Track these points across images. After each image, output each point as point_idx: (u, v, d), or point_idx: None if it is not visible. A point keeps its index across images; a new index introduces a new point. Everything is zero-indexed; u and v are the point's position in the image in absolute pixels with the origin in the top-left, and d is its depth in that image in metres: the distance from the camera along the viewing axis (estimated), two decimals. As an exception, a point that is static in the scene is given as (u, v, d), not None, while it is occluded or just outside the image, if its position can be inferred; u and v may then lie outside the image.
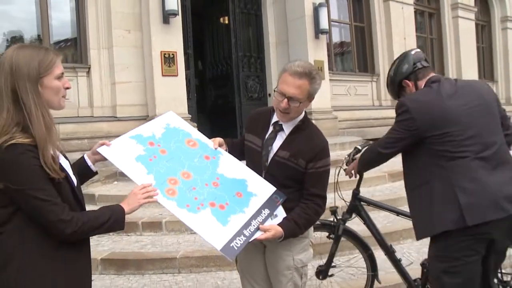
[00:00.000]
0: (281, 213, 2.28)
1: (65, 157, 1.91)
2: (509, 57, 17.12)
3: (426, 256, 2.88)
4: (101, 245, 4.88)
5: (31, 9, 7.70)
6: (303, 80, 2.25)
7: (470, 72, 15.07)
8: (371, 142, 3.26)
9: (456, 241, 2.23)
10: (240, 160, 2.47)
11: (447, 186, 2.26)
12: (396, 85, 2.60)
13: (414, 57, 2.56)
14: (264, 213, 2.22)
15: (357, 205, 3.15)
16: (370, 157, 2.66)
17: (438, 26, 14.89)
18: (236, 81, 9.98)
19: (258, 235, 2.13)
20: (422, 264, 3.01)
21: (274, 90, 2.32)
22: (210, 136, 2.55)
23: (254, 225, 2.15)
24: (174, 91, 7.92)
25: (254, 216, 2.18)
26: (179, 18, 8.05)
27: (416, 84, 2.52)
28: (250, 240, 2.10)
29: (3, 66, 1.68)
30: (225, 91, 10.39)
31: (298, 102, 2.27)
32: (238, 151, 2.56)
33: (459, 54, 14.73)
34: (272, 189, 2.30)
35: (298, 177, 2.33)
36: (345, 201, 3.17)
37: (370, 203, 3.19)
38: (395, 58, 10.14)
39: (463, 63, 14.75)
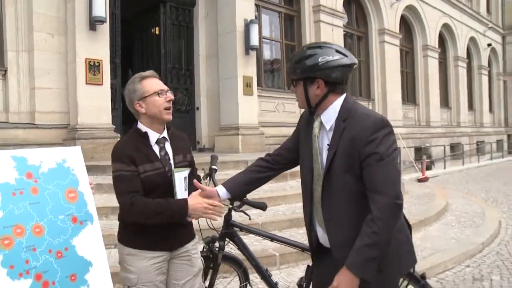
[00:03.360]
0: None
1: None
2: (429, 83, 18.17)
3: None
4: None
5: None
6: None
7: (394, 95, 15.81)
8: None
9: None
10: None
11: None
12: None
13: None
14: None
15: (230, 232, 3.08)
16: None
17: (366, 50, 15.54)
18: (164, 92, 9.81)
19: None
20: (299, 285, 2.99)
21: None
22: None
23: None
24: (98, 100, 7.64)
25: None
26: (106, 26, 7.81)
27: None
28: None
29: None
30: (153, 102, 10.18)
31: None
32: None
33: (384, 77, 15.43)
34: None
35: None
36: (214, 229, 2.95)
37: (243, 228, 3.12)
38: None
39: (388, 86, 15.45)
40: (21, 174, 1.92)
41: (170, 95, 2.42)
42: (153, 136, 2.42)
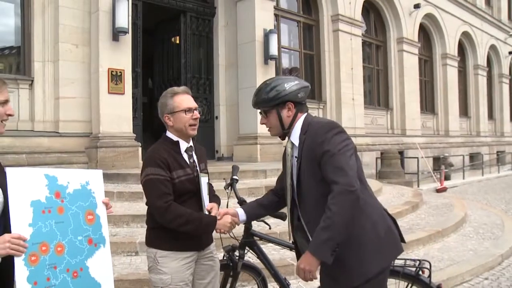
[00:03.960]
0: None
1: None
2: (448, 92, 18.04)
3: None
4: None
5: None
6: None
7: (413, 104, 15.76)
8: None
9: None
10: None
11: None
12: None
13: None
14: None
15: (250, 240, 3.17)
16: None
17: (384, 58, 15.53)
18: (185, 102, 9.94)
19: None
20: None
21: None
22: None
23: None
24: (119, 109, 7.84)
25: None
26: (129, 36, 8.02)
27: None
28: None
29: None
30: (173, 111, 10.33)
31: None
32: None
33: (403, 86, 15.39)
34: None
35: None
36: (234, 238, 3.08)
37: (262, 237, 3.20)
38: (342, 86, 10.60)
39: (406, 95, 15.40)
40: (51, 192, 2.02)
41: (197, 114, 2.61)
42: (183, 145, 2.64)
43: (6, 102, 1.86)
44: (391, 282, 2.97)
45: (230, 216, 2.56)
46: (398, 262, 2.97)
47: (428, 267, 2.87)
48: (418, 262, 2.92)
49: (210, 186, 2.72)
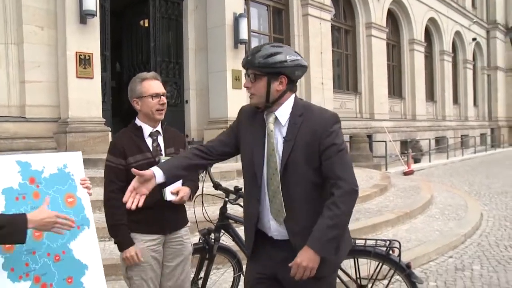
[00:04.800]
0: None
1: None
2: (415, 77, 18.40)
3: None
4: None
5: None
6: None
7: (381, 88, 16.00)
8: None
9: None
10: None
11: None
12: None
13: None
14: None
15: (225, 223, 3.23)
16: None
17: (353, 43, 15.69)
18: (154, 85, 9.82)
19: None
20: None
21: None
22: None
23: None
24: (88, 93, 7.69)
25: None
26: (97, 19, 7.84)
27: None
28: None
29: None
30: (142, 96, 10.21)
31: None
32: None
33: (371, 71, 15.61)
34: None
35: None
36: (210, 221, 3.18)
37: (238, 220, 3.22)
38: (311, 71, 10.63)
39: (374, 80, 15.63)
40: (24, 179, 2.00)
41: (164, 99, 2.68)
42: (147, 130, 2.70)
43: None
44: (363, 262, 3.07)
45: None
46: (369, 242, 3.06)
47: (398, 246, 2.97)
48: (388, 242, 3.02)
49: None
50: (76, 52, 7.52)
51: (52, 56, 7.68)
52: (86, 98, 7.65)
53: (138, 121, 2.72)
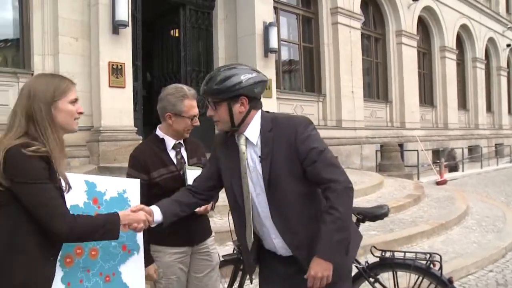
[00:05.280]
0: None
1: None
2: (447, 84, 18.04)
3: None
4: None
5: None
6: None
7: (411, 97, 15.76)
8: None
9: None
10: None
11: None
12: None
13: None
14: None
15: None
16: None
17: (383, 51, 15.50)
18: (184, 95, 9.88)
19: None
20: None
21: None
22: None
23: None
24: (120, 102, 7.79)
25: None
26: (129, 29, 7.95)
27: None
28: None
29: (22, 91, 1.87)
30: (173, 105, 10.29)
31: None
32: None
33: (402, 79, 15.37)
34: None
35: None
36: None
37: None
38: (341, 79, 10.55)
39: (405, 88, 15.39)
40: (89, 198, 2.05)
41: (197, 121, 2.64)
42: (170, 142, 2.65)
43: (76, 100, 1.94)
44: (402, 275, 2.97)
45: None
46: (408, 255, 2.97)
47: (439, 260, 2.87)
48: (428, 255, 2.92)
49: None
50: (109, 62, 7.63)
51: (86, 66, 7.82)
52: (118, 107, 7.75)
53: (160, 133, 2.65)
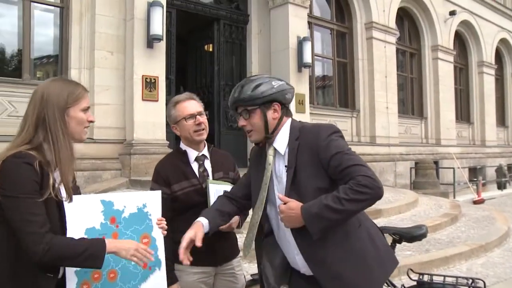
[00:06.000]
0: None
1: None
2: (485, 100, 17.56)
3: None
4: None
5: (15, 23, 7.58)
6: None
7: (448, 113, 15.39)
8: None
9: None
10: None
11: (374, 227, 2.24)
12: None
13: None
14: None
15: None
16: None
17: (419, 66, 15.22)
18: (217, 109, 9.93)
19: None
20: None
21: None
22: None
23: None
24: (153, 116, 7.84)
25: None
26: (163, 43, 8.03)
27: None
28: None
29: (35, 95, 1.82)
30: (205, 119, 10.32)
31: None
32: None
33: (437, 95, 15.04)
34: None
35: None
36: None
37: None
38: (376, 95, 10.37)
39: (441, 104, 15.05)
40: (106, 219, 1.97)
41: (200, 119, 2.51)
42: (192, 154, 2.57)
43: (88, 109, 1.90)
44: (441, 300, 2.81)
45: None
46: (448, 279, 2.82)
47: (482, 286, 2.72)
48: (471, 280, 2.77)
49: None
50: (143, 76, 7.71)
51: (120, 79, 7.92)
52: (151, 121, 7.80)
53: (182, 145, 2.60)
